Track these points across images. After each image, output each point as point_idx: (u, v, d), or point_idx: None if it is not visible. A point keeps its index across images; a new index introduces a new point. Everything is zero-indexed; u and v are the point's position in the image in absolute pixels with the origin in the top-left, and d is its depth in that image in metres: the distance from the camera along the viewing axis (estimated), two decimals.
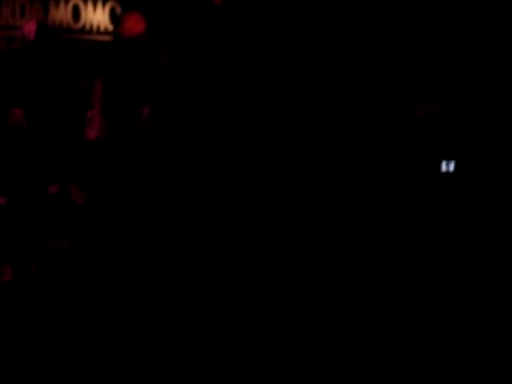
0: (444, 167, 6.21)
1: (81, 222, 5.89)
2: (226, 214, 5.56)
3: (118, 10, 6.86)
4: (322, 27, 6.17)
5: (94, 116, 5.59)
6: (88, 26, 6.87)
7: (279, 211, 5.83)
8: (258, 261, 5.56)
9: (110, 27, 6.78)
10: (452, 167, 6.19)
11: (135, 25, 5.39)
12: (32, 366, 4.37)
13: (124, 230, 5.53)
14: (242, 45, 5.65)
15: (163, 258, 5.32)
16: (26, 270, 5.97)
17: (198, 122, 5.62)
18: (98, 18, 6.88)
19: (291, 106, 5.98)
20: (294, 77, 6.00)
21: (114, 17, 6.67)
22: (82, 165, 5.73)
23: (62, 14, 6.81)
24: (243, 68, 5.73)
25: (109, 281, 5.41)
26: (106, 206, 5.60)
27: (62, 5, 6.80)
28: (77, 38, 6.85)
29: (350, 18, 6.30)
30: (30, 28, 5.83)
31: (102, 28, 6.82)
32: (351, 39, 6.29)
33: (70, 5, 6.83)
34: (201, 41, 5.68)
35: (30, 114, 6.24)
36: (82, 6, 6.85)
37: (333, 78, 6.17)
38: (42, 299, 5.48)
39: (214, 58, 5.67)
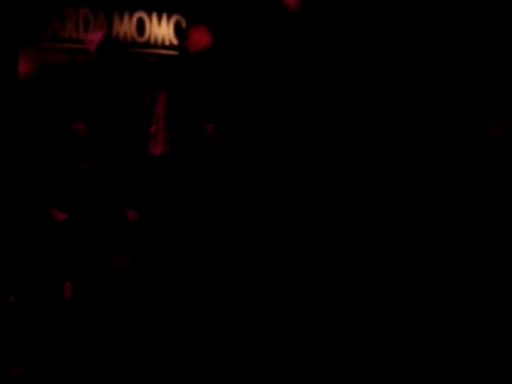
0: None
1: (143, 240, 5.84)
2: (300, 234, 5.47)
3: (184, 23, 6.81)
4: (395, 40, 6.05)
5: (158, 131, 5.52)
6: (152, 40, 6.83)
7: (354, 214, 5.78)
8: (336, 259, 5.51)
9: (175, 41, 6.72)
10: None
11: (201, 38, 5.31)
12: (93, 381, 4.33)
13: (188, 248, 5.45)
14: (313, 56, 5.53)
15: (228, 279, 5.23)
16: (86, 286, 5.93)
17: (266, 139, 5.52)
18: (163, 31, 6.83)
19: (363, 119, 5.86)
20: (366, 90, 5.88)
21: (179, 30, 6.60)
22: (146, 181, 5.66)
23: (127, 27, 6.77)
24: (314, 79, 5.62)
25: (170, 298, 5.35)
26: (170, 224, 5.52)
27: (126, 18, 6.76)
28: (141, 51, 6.81)
29: (421, 32, 6.17)
30: (93, 39, 5.77)
31: (166, 42, 6.77)
32: (423, 54, 6.16)
33: (135, 18, 6.79)
34: (270, 53, 5.57)
35: (92, 128, 6.20)
36: (146, 19, 6.81)
37: (404, 92, 6.04)
38: (102, 316, 5.44)
39: (284, 71, 5.55)
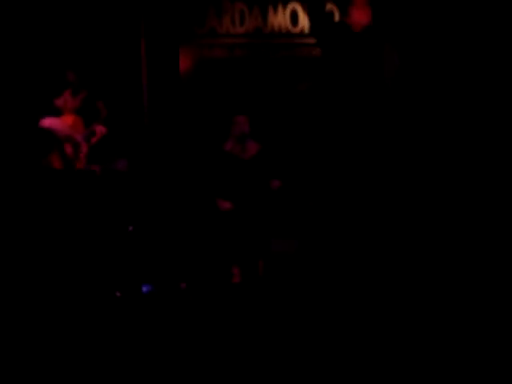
0: None
1: (309, 225, 5.87)
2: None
3: (336, 11, 6.84)
4: None
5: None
6: (306, 30, 6.90)
7: None
8: None
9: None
10: None
11: (362, 16, 5.24)
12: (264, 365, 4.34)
13: (355, 231, 5.41)
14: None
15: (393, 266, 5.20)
16: (253, 272, 6.01)
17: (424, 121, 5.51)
18: None
19: None
20: None
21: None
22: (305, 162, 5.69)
23: (281, 19, 6.87)
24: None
25: (335, 283, 5.33)
26: (333, 206, 5.51)
27: (280, 10, 6.86)
28: (295, 42, 6.89)
29: None
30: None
31: None
32: None
33: (288, 10, 6.88)
34: (427, 41, 5.54)
35: (254, 119, 6.32)
36: (299, 10, 6.89)
37: None
38: (269, 301, 5.48)
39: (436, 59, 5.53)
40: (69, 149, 5.17)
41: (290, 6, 6.86)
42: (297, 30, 6.90)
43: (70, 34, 6.36)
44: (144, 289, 5.71)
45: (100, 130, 5.38)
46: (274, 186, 6.17)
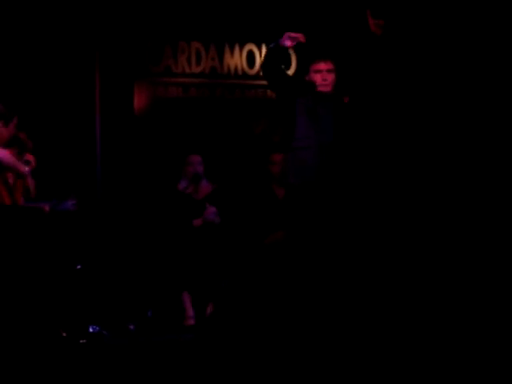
0: None
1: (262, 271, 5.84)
2: None
3: (293, 54, 6.87)
4: None
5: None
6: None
7: None
8: None
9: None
10: None
11: (323, 84, 5.28)
12: None
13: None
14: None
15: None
16: (202, 314, 5.93)
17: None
18: None
19: None
20: None
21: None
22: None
23: (237, 59, 6.87)
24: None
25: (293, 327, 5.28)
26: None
27: (236, 51, 6.87)
28: (251, 83, 6.90)
29: None
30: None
31: None
32: None
33: (245, 51, 6.89)
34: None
35: (207, 158, 6.28)
36: (256, 51, 6.90)
37: None
38: (219, 343, 5.40)
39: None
40: (11, 179, 5.10)
41: (246, 47, 6.87)
42: (253, 71, 6.90)
43: (21, 70, 6.30)
44: (91, 329, 5.59)
45: (33, 159, 5.29)
46: (196, 224, 6.12)
